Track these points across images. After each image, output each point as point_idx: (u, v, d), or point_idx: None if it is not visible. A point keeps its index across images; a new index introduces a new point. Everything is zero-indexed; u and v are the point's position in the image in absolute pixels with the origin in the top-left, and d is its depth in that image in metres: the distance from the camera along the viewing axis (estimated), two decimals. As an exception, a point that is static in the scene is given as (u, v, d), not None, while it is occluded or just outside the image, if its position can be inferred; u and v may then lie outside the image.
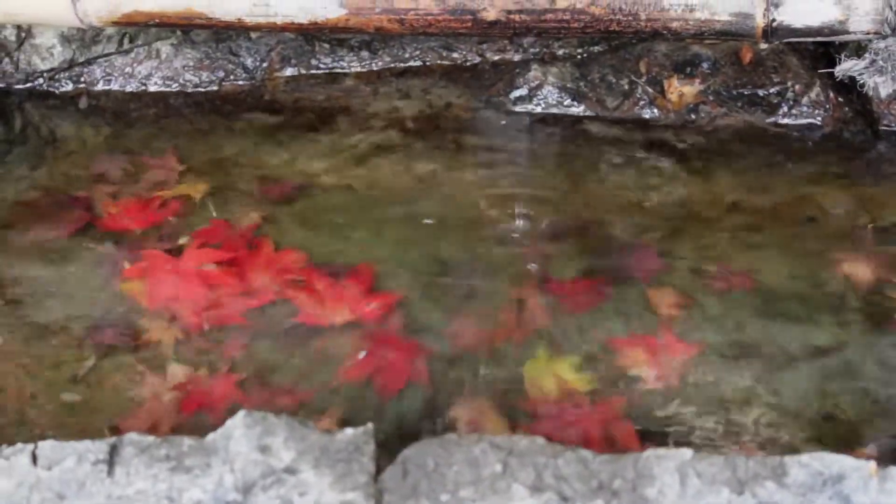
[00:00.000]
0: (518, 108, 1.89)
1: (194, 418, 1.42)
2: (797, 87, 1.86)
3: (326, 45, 1.95)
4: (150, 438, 1.18)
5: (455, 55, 1.95)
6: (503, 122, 1.86)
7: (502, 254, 1.64)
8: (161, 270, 1.63)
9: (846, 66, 1.61)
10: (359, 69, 1.96)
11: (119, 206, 1.74)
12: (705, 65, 1.88)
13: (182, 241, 1.68)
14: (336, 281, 1.60)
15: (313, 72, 1.96)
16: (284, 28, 1.70)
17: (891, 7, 1.55)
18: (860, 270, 1.60)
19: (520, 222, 1.69)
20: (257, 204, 1.74)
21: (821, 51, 1.88)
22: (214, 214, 1.72)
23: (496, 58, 1.95)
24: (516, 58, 1.94)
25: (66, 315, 1.56)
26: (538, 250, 1.64)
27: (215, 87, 1.96)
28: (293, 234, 1.68)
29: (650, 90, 1.88)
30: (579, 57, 1.92)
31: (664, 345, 1.50)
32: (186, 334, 1.53)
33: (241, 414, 1.18)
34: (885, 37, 1.57)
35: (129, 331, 1.54)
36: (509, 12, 1.63)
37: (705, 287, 1.58)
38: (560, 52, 1.92)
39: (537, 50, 1.93)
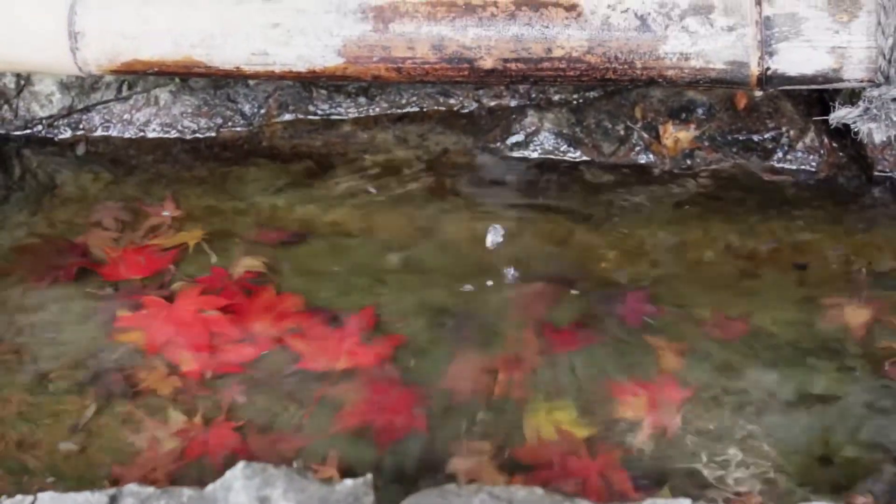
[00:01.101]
0: (515, 154, 1.90)
1: (194, 467, 1.42)
2: (792, 132, 1.87)
3: (324, 92, 1.96)
4: (150, 489, 1.18)
5: (452, 101, 1.97)
6: (500, 169, 1.87)
7: (500, 299, 1.65)
8: (159, 317, 1.64)
9: (840, 114, 1.62)
10: (356, 115, 1.97)
11: (117, 253, 1.75)
12: (700, 110, 1.89)
13: (180, 287, 1.68)
14: (335, 327, 1.61)
15: (311, 118, 1.97)
16: (283, 76, 1.71)
17: (884, 56, 1.56)
18: (855, 316, 1.61)
19: (517, 268, 1.70)
20: (255, 250, 1.75)
21: (815, 96, 1.90)
22: (213, 261, 1.73)
23: (493, 103, 1.96)
24: (513, 103, 1.96)
25: (64, 363, 1.56)
26: (535, 296, 1.65)
27: (213, 134, 1.97)
28: (291, 280, 1.69)
29: (646, 136, 1.89)
30: (575, 102, 1.93)
31: (661, 391, 1.50)
32: (185, 382, 1.53)
33: (240, 465, 1.18)
34: (878, 85, 1.59)
35: (127, 378, 1.54)
36: (506, 61, 1.64)
37: (701, 333, 1.59)
38: (556, 97, 1.94)
39: (534, 95, 1.94)
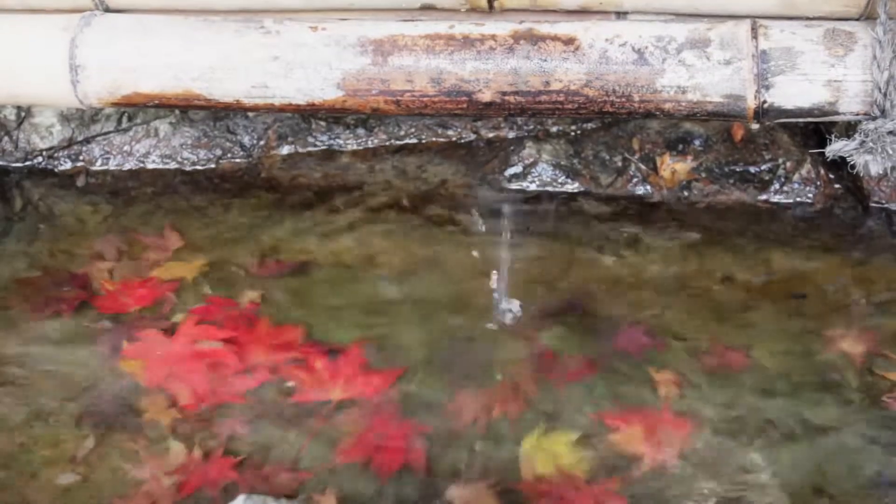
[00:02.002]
0: (513, 186, 1.91)
1: (194, 499, 1.42)
2: (788, 164, 1.88)
3: (323, 123, 1.97)
4: (151, 523, 1.19)
5: (450, 132, 1.98)
6: (498, 200, 1.88)
7: (498, 330, 1.65)
8: (159, 349, 1.64)
9: (836, 147, 1.63)
10: (355, 147, 1.98)
11: (117, 285, 1.75)
12: (697, 142, 1.90)
13: (180, 318, 1.69)
14: (333, 358, 1.61)
15: (310, 149, 1.98)
16: (282, 109, 1.71)
17: (879, 89, 1.57)
18: (852, 347, 1.61)
19: (515, 299, 1.70)
20: (254, 281, 1.75)
21: (811, 127, 1.91)
22: (212, 292, 1.73)
23: (491, 135, 1.97)
24: (511, 135, 1.97)
25: (64, 394, 1.57)
26: (534, 327, 1.66)
27: (213, 165, 1.98)
28: (290, 312, 1.70)
29: (643, 167, 1.90)
30: (573, 134, 1.94)
31: (660, 422, 1.51)
32: (185, 414, 1.54)
33: (240, 498, 1.19)
34: (874, 118, 1.60)
35: (127, 410, 1.54)
36: (504, 94, 1.65)
37: (699, 364, 1.59)
38: (554, 129, 1.95)
39: (531, 127, 1.95)
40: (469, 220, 1.87)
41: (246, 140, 1.98)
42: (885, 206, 1.84)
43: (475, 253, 1.79)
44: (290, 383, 1.58)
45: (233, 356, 1.62)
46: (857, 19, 1.66)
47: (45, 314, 1.70)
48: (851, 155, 1.62)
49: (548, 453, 1.47)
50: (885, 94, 1.58)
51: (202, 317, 1.69)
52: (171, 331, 1.66)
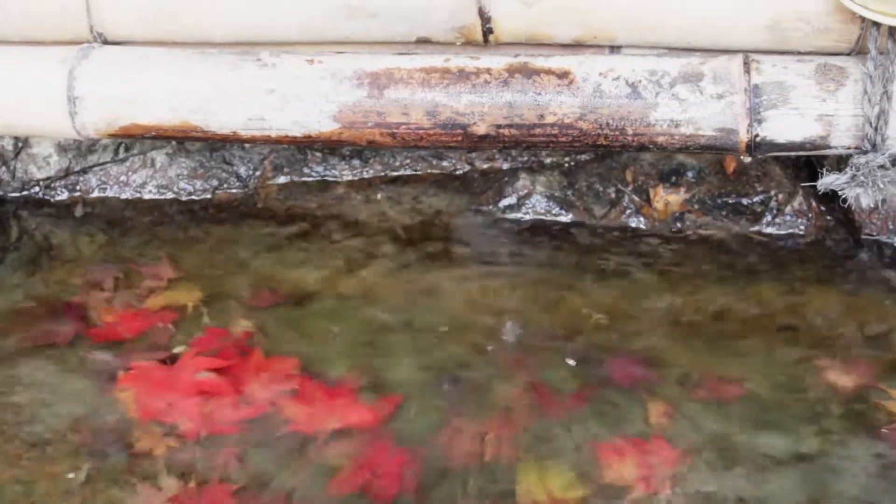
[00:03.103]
0: (507, 217, 1.92)
1: (188, 530, 1.43)
2: (780, 196, 1.90)
3: (318, 154, 1.98)
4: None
5: (445, 164, 1.99)
6: (493, 231, 1.89)
7: (493, 361, 1.66)
8: (155, 379, 1.65)
9: (828, 181, 1.65)
10: (350, 177, 1.99)
11: (113, 315, 1.76)
12: (690, 174, 1.92)
13: (176, 349, 1.69)
14: (328, 389, 1.62)
15: (305, 180, 1.99)
16: (279, 141, 1.73)
17: (870, 123, 1.59)
18: (844, 378, 1.62)
19: (509, 330, 1.71)
20: (250, 311, 1.76)
21: (803, 160, 1.92)
22: (208, 322, 1.74)
23: (485, 166, 1.98)
24: (505, 166, 1.98)
25: (60, 424, 1.57)
26: (528, 358, 1.67)
27: (209, 195, 1.99)
28: (286, 342, 1.70)
29: (636, 199, 1.91)
30: (567, 165, 1.95)
31: (653, 452, 1.51)
32: (181, 444, 1.54)
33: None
34: (865, 152, 1.61)
35: (123, 440, 1.55)
36: (499, 127, 1.67)
37: (692, 394, 1.60)
38: (548, 160, 1.96)
39: (525, 158, 1.96)
40: (464, 250, 1.88)
41: (242, 171, 1.99)
42: (877, 238, 1.85)
43: (470, 283, 1.80)
44: (286, 414, 1.58)
45: (228, 386, 1.63)
46: (848, 54, 1.67)
47: (40, 344, 1.71)
48: (843, 188, 1.63)
49: (542, 482, 1.47)
50: (875, 129, 1.59)
51: (198, 347, 1.70)
52: (166, 361, 1.67)
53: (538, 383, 1.62)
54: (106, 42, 1.81)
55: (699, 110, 1.64)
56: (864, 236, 1.85)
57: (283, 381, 1.63)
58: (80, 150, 1.97)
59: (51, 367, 1.67)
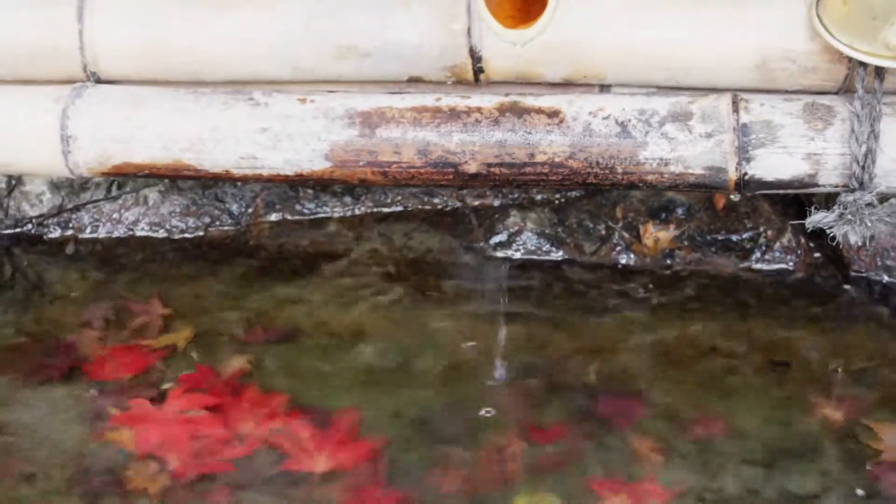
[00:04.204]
0: (498, 254, 1.93)
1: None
2: (769, 232, 1.91)
3: (310, 191, 1.99)
4: None
5: (436, 200, 2.00)
6: (484, 268, 1.90)
7: (484, 400, 1.66)
8: (147, 417, 1.65)
9: (816, 219, 1.66)
10: (342, 214, 2.00)
11: (106, 352, 1.76)
12: (680, 210, 1.93)
13: (168, 386, 1.70)
14: (320, 427, 1.62)
15: (297, 217, 2.00)
16: (271, 179, 1.74)
17: (857, 162, 1.60)
18: (834, 415, 1.63)
19: (500, 368, 1.71)
20: (242, 349, 1.76)
21: (792, 196, 1.93)
22: (199, 360, 1.74)
23: (476, 203, 1.99)
24: (496, 203, 1.99)
25: (52, 463, 1.57)
26: (519, 395, 1.67)
27: (201, 233, 1.99)
28: (278, 380, 1.71)
29: (626, 235, 1.92)
30: (557, 202, 1.97)
31: (644, 490, 1.52)
32: (173, 482, 1.54)
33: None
34: (853, 190, 1.63)
35: (115, 478, 1.55)
36: (490, 165, 1.68)
37: (683, 432, 1.60)
38: (538, 197, 1.97)
39: (516, 195, 1.97)
40: (455, 288, 1.89)
41: (234, 208, 2.00)
42: (865, 274, 1.86)
43: (461, 321, 1.81)
44: (278, 452, 1.58)
45: (220, 424, 1.63)
46: (836, 93, 1.69)
47: (33, 382, 1.71)
48: (831, 227, 1.65)
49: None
50: (863, 168, 1.61)
51: (190, 385, 1.70)
52: (159, 399, 1.67)
53: (528, 421, 1.63)
54: (99, 81, 1.82)
55: (688, 149, 1.65)
56: (852, 273, 1.87)
57: (276, 419, 1.64)
58: (73, 187, 1.98)
59: (42, 404, 1.67)
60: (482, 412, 1.64)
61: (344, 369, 1.72)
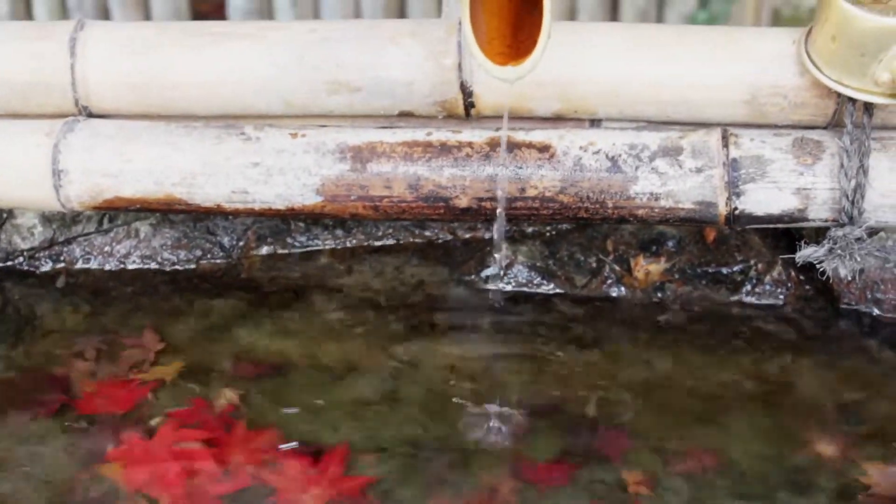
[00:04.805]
0: (489, 287, 1.93)
1: None
2: (760, 265, 1.91)
3: (302, 224, 1.99)
4: None
5: (427, 233, 2.00)
6: (475, 301, 1.90)
7: (475, 433, 1.66)
8: (138, 452, 1.65)
9: (806, 253, 1.67)
10: (333, 247, 2.00)
11: (97, 386, 1.76)
12: (670, 243, 1.93)
13: (159, 421, 1.69)
14: (311, 461, 1.62)
15: (289, 250, 2.00)
16: (262, 213, 1.74)
17: (847, 197, 1.61)
18: (824, 449, 1.63)
19: (492, 402, 1.71)
20: (233, 383, 1.76)
21: (782, 230, 1.94)
22: (191, 394, 1.74)
23: (467, 235, 1.99)
24: (487, 235, 1.99)
25: (43, 497, 1.56)
26: (510, 429, 1.67)
27: (193, 266, 1.99)
28: (269, 413, 1.70)
29: (617, 268, 1.93)
30: (548, 234, 1.97)
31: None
32: (164, 518, 1.55)
33: None
34: (842, 224, 1.63)
35: (106, 515, 1.55)
36: (480, 200, 1.68)
37: (674, 466, 1.60)
38: (529, 229, 1.97)
39: (507, 228, 1.97)
40: (446, 321, 1.89)
41: (226, 241, 2.00)
42: (855, 307, 1.87)
43: (452, 354, 1.81)
44: (268, 487, 1.58)
45: (211, 459, 1.63)
46: (825, 127, 1.70)
47: (24, 416, 1.70)
48: (821, 261, 1.65)
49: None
50: (852, 202, 1.62)
51: (181, 419, 1.70)
52: (150, 433, 1.67)
53: (520, 455, 1.63)
54: (91, 115, 1.83)
55: (678, 184, 1.66)
56: (843, 306, 1.87)
57: (266, 453, 1.64)
58: (65, 220, 1.98)
59: (33, 438, 1.67)
60: (473, 446, 1.64)
61: (335, 403, 1.72)
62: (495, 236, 1.73)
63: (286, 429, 1.67)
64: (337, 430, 1.67)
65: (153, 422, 1.69)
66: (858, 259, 1.64)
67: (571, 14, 4.21)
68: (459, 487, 1.57)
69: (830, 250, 1.64)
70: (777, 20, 4.36)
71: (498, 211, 1.68)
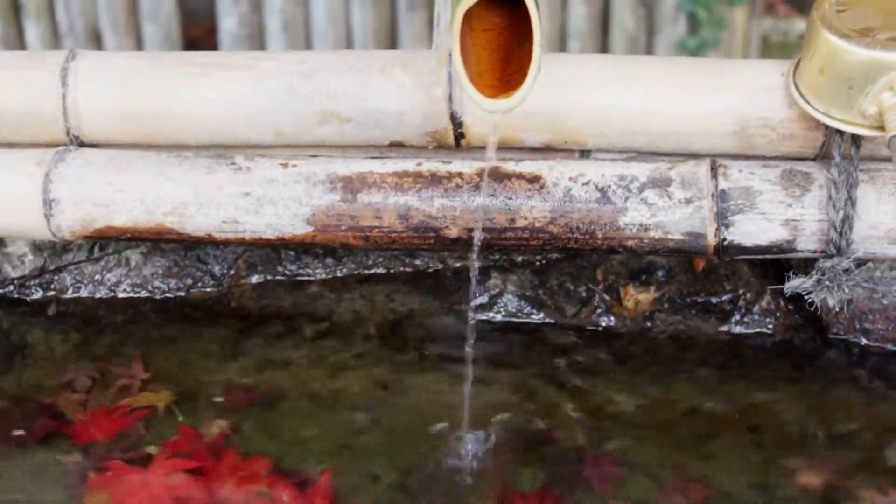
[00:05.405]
0: (479, 316, 1.93)
1: None
2: (749, 295, 1.92)
3: (292, 253, 2.00)
4: None
5: (417, 262, 2.01)
6: (465, 330, 1.90)
7: (464, 463, 1.67)
8: (128, 481, 1.65)
9: (795, 284, 1.68)
10: (323, 276, 2.01)
11: (87, 415, 1.76)
12: (660, 273, 1.94)
13: (149, 450, 1.69)
14: (301, 491, 1.62)
15: (279, 278, 2.01)
16: (253, 243, 1.75)
17: (835, 228, 1.62)
18: (813, 478, 1.63)
19: (481, 432, 1.72)
20: (224, 411, 1.76)
21: (771, 259, 1.94)
22: (181, 423, 1.74)
23: (457, 265, 2.00)
24: (477, 264, 1.99)
25: (32, 528, 1.58)
26: (499, 459, 1.67)
27: (183, 294, 2.00)
28: (259, 443, 1.70)
29: (607, 298, 1.93)
30: (538, 264, 1.97)
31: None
32: (154, 549, 1.55)
33: None
34: (830, 256, 1.64)
35: (95, 544, 1.55)
36: (470, 230, 1.69)
37: (663, 495, 1.61)
38: (519, 259, 1.98)
39: (497, 257, 1.98)
40: (436, 350, 1.89)
41: (216, 270, 2.00)
42: (844, 337, 1.87)
43: (442, 383, 1.81)
44: (259, 516, 1.59)
45: (201, 489, 1.63)
46: (813, 159, 1.71)
47: (13, 444, 1.71)
48: (810, 292, 1.66)
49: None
50: (840, 234, 1.62)
51: (171, 448, 1.69)
52: (140, 462, 1.67)
53: (510, 485, 1.63)
54: (82, 144, 1.83)
55: (668, 215, 1.67)
56: (831, 335, 1.88)
57: (256, 483, 1.64)
58: (55, 249, 1.98)
59: (23, 467, 1.67)
60: (462, 475, 1.64)
61: (325, 432, 1.72)
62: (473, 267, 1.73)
63: (276, 458, 1.67)
64: (327, 458, 1.67)
65: (143, 450, 1.69)
66: (847, 290, 1.65)
67: (562, 39, 4.24)
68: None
69: (819, 281, 1.65)
70: (767, 46, 4.39)
71: (475, 240, 1.68)
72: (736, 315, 1.92)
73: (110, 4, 4.25)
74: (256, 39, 4.30)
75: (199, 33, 4.50)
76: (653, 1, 4.19)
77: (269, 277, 2.01)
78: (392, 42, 4.29)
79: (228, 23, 4.27)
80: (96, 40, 4.30)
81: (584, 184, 1.68)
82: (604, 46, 4.27)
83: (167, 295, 2.00)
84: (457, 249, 1.73)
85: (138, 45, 4.33)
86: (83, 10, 4.26)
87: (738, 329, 1.91)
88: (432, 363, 1.87)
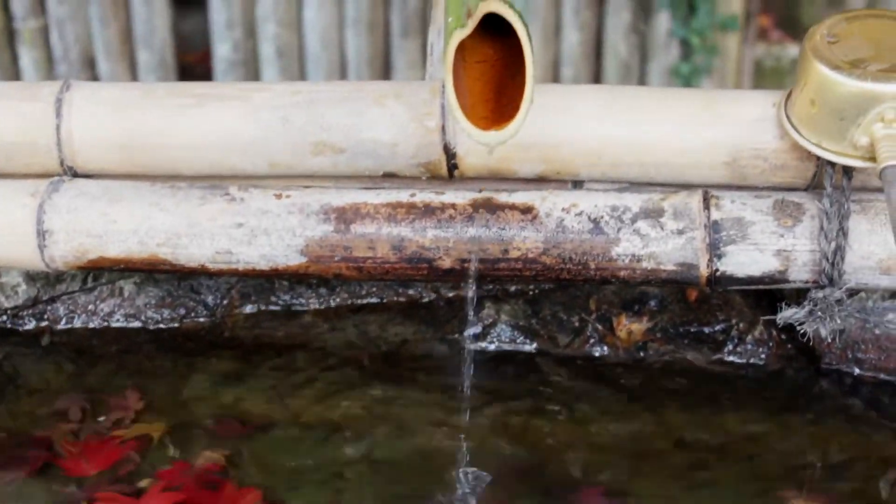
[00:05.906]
0: (473, 346, 1.93)
1: None
2: (741, 324, 1.92)
3: (286, 283, 2.00)
4: None
5: (411, 292, 2.01)
6: (458, 360, 1.90)
7: (458, 493, 1.66)
8: (121, 513, 1.65)
9: (787, 315, 1.68)
10: (317, 306, 2.01)
11: (79, 447, 1.76)
12: (653, 302, 1.94)
13: (142, 482, 1.69)
14: (294, 522, 1.62)
15: (273, 308, 2.01)
16: (246, 274, 1.75)
17: (827, 259, 1.62)
18: (807, 509, 1.64)
19: (474, 462, 1.71)
20: (217, 442, 1.76)
21: (763, 290, 1.95)
22: (174, 454, 1.74)
23: (451, 294, 2.00)
24: (470, 294, 1.99)
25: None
26: (492, 490, 1.67)
27: (176, 324, 1.99)
28: (251, 474, 1.70)
29: (600, 327, 1.94)
30: (531, 293, 1.98)
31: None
32: (145, 581, 1.54)
33: None
34: (822, 286, 1.65)
35: (87, 577, 1.55)
36: (464, 261, 1.69)
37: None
38: (512, 288, 1.98)
39: (490, 287, 1.98)
40: (429, 380, 1.89)
41: (210, 300, 2.00)
42: (837, 367, 1.87)
43: (435, 413, 1.81)
44: (252, 549, 1.59)
45: (195, 520, 1.63)
46: (805, 189, 1.72)
47: (6, 477, 1.70)
48: (802, 322, 1.67)
49: None
50: (832, 264, 1.63)
51: (164, 479, 1.69)
52: (133, 493, 1.67)
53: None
54: (76, 175, 1.83)
55: (660, 246, 1.67)
56: (824, 365, 1.88)
57: (250, 514, 1.64)
58: (49, 279, 1.98)
59: (15, 499, 1.66)
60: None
61: (318, 463, 1.72)
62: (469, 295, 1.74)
63: (269, 489, 1.67)
64: (320, 489, 1.67)
65: (136, 482, 1.69)
66: (839, 320, 1.65)
67: (555, 65, 4.26)
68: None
69: (811, 311, 1.65)
70: (759, 71, 4.41)
71: (470, 271, 1.69)
72: (729, 345, 1.92)
73: (104, 31, 4.27)
74: (250, 65, 4.31)
75: (193, 59, 4.51)
76: (646, 27, 4.21)
77: (262, 307, 2.01)
78: (386, 68, 4.30)
79: (222, 49, 4.29)
80: (90, 67, 4.31)
81: (576, 214, 1.69)
82: (597, 72, 4.29)
83: (160, 325, 2.00)
84: (450, 280, 1.74)
85: (132, 71, 4.34)
86: (77, 37, 4.27)
87: (731, 359, 1.92)
88: (425, 393, 1.87)
